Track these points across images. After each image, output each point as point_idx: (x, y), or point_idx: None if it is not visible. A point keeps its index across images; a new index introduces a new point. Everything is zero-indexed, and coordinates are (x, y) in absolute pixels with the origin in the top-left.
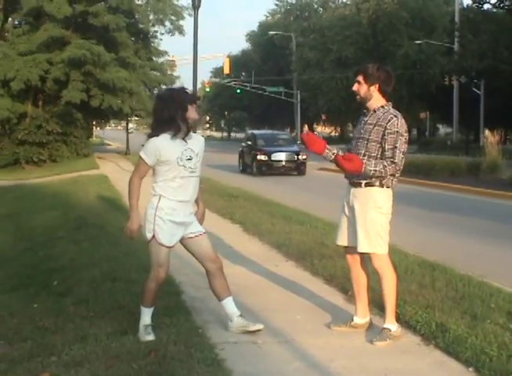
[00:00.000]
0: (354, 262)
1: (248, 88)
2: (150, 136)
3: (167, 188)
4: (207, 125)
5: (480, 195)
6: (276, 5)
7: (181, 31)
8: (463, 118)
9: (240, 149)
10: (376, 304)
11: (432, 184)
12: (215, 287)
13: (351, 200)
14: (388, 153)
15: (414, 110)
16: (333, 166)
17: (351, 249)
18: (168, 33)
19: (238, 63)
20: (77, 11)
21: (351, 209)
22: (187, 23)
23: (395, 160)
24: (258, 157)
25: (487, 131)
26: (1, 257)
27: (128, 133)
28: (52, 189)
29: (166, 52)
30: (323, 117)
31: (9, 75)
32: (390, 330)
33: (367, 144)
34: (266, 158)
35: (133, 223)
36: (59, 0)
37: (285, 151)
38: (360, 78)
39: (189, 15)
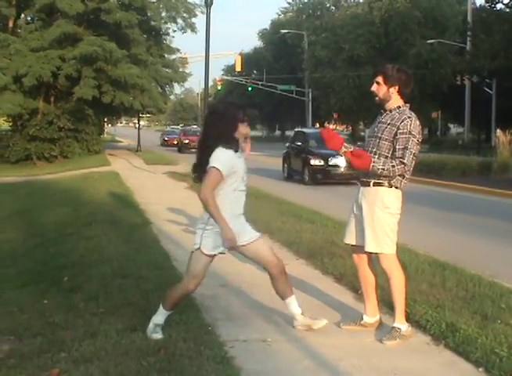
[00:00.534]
0: (361, 261)
1: (260, 86)
2: (212, 148)
3: (226, 199)
4: None
5: (491, 195)
6: (289, 3)
7: (193, 29)
8: (474, 118)
9: (285, 151)
10: (386, 303)
11: (443, 183)
12: (277, 289)
13: (359, 198)
14: (398, 153)
15: (426, 110)
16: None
17: (359, 248)
18: (180, 30)
19: (250, 60)
20: (90, 8)
21: (360, 208)
22: (199, 20)
23: (404, 161)
24: (312, 161)
25: (498, 131)
26: (12, 253)
27: (139, 130)
28: (62, 186)
29: (178, 50)
30: (335, 116)
31: (21, 71)
32: (399, 330)
33: (379, 142)
34: (322, 163)
35: (227, 233)
36: None
37: None
38: (379, 79)
39: (202, 12)
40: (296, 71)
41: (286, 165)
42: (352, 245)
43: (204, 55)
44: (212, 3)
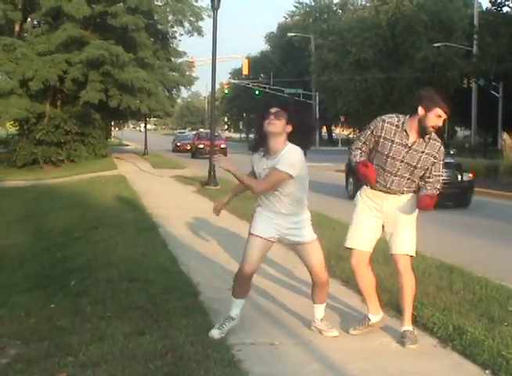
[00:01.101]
0: (361, 266)
1: (267, 90)
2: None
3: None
4: (226, 127)
5: (498, 198)
6: (295, 6)
7: (200, 32)
8: (481, 121)
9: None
10: (393, 306)
11: None
12: (313, 294)
13: (385, 205)
14: (434, 180)
15: None
16: None
17: (363, 254)
18: (187, 34)
19: (257, 64)
20: (96, 11)
21: (387, 214)
22: (206, 24)
23: (440, 188)
24: None
25: (505, 134)
26: (19, 257)
27: (146, 134)
28: (69, 190)
29: (185, 53)
30: (342, 119)
31: (27, 75)
32: (414, 332)
33: (414, 170)
34: None
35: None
36: (78, 0)
37: None
38: (446, 117)
39: (208, 16)
40: (303, 75)
41: (351, 180)
42: (354, 250)
43: (211, 58)
44: (219, 7)
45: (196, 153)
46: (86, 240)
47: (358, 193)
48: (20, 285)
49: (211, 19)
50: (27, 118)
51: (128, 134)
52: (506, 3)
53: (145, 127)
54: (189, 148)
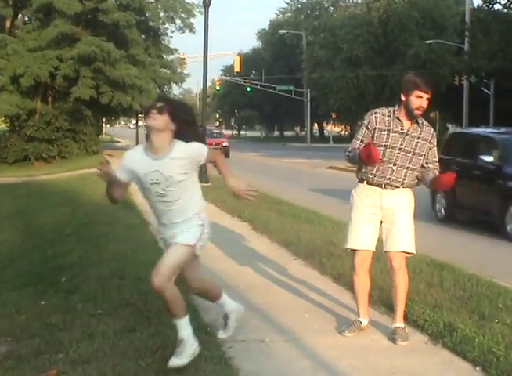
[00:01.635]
0: (364, 265)
1: (258, 87)
2: None
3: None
4: (217, 123)
5: None
6: (287, 3)
7: (191, 29)
8: (472, 118)
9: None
10: (384, 303)
11: None
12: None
13: (384, 202)
14: (433, 166)
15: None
16: (342, 165)
17: (367, 253)
18: (179, 30)
19: (248, 61)
20: (88, 8)
21: (385, 211)
22: (197, 20)
23: (437, 172)
24: None
25: None
26: (10, 254)
27: (137, 130)
28: (60, 186)
29: (176, 50)
30: (333, 116)
31: (18, 71)
32: (405, 329)
33: (412, 158)
34: None
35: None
36: None
37: None
38: (430, 96)
39: (200, 13)
40: (294, 71)
41: (447, 199)
42: (358, 250)
43: (203, 55)
44: (210, 3)
45: None
46: (77, 237)
47: (352, 192)
48: (11, 282)
49: (203, 16)
50: (17, 115)
51: (120, 131)
52: (498, 0)
53: (136, 124)
54: None
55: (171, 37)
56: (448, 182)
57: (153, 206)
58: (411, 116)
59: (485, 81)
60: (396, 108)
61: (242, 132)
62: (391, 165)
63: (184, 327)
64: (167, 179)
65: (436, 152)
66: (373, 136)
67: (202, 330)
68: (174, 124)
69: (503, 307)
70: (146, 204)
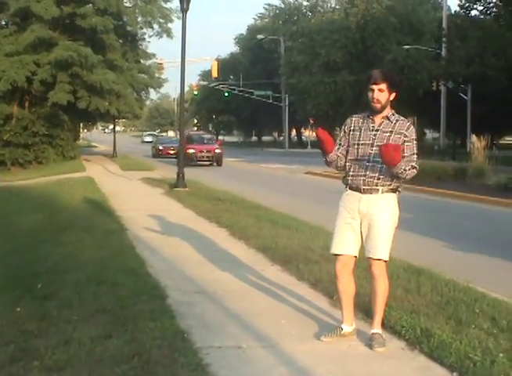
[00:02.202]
0: (345, 272)
1: (236, 92)
2: None
3: None
4: (195, 128)
5: (466, 200)
6: (265, 8)
7: (169, 34)
8: (450, 123)
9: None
10: (361, 309)
11: (419, 189)
12: None
13: (362, 206)
14: (410, 158)
15: (402, 115)
16: (320, 170)
17: (348, 258)
18: (156, 35)
19: (226, 66)
20: (65, 12)
21: (363, 216)
22: (175, 25)
23: (416, 166)
24: None
25: (474, 137)
26: None
27: (114, 135)
28: (37, 192)
29: (154, 55)
30: (311, 121)
31: None
32: (382, 335)
33: None
34: None
35: None
36: (46, 1)
37: None
38: (384, 86)
39: (178, 18)
40: (272, 77)
41: None
42: (339, 255)
43: (180, 60)
44: (188, 8)
45: (185, 161)
46: (54, 242)
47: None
48: None
49: (181, 21)
50: None
51: (97, 136)
52: (474, 7)
53: (113, 129)
54: (172, 152)
55: (149, 42)
56: (387, 152)
57: None
58: (374, 110)
59: (463, 86)
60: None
61: (220, 137)
62: (365, 162)
63: None
64: None
65: (413, 146)
66: (349, 138)
67: (178, 337)
68: None
69: (480, 312)
70: (122, 209)
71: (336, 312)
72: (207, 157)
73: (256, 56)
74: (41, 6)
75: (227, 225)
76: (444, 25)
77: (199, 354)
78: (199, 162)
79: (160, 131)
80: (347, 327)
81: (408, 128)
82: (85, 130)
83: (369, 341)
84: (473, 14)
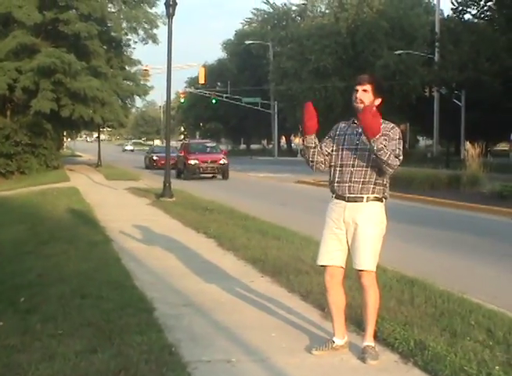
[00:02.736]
0: (334, 283)
1: (224, 99)
2: None
3: None
4: (182, 136)
5: (460, 209)
6: (253, 13)
7: (154, 40)
8: (443, 130)
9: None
10: (353, 321)
11: (411, 197)
12: None
13: (346, 216)
14: (393, 149)
15: (394, 122)
16: (310, 179)
17: (335, 269)
18: (142, 41)
19: (213, 72)
20: (48, 18)
21: (348, 226)
22: (161, 31)
23: (400, 156)
24: None
25: (468, 144)
26: None
27: (99, 144)
28: (20, 202)
29: (139, 62)
30: (301, 129)
31: None
32: (375, 347)
33: (369, 155)
34: None
35: None
36: (28, 6)
37: None
38: (368, 87)
39: (163, 23)
40: (261, 83)
41: None
42: (327, 266)
43: (166, 67)
44: (174, 14)
45: (185, 173)
46: (37, 254)
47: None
48: None
49: (166, 27)
50: None
51: (81, 145)
52: (468, 10)
53: (98, 137)
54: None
55: (134, 48)
56: (364, 118)
57: None
58: (357, 111)
59: (456, 92)
60: None
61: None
62: (350, 167)
63: None
64: None
65: (397, 143)
66: (334, 144)
67: (166, 351)
68: None
69: (475, 324)
70: (107, 220)
71: (327, 325)
72: (212, 168)
73: (244, 62)
74: (23, 12)
75: (215, 235)
76: (436, 29)
77: (187, 368)
78: (202, 174)
79: (146, 140)
80: (339, 340)
81: (391, 129)
82: (69, 139)
83: (362, 354)
84: (466, 18)
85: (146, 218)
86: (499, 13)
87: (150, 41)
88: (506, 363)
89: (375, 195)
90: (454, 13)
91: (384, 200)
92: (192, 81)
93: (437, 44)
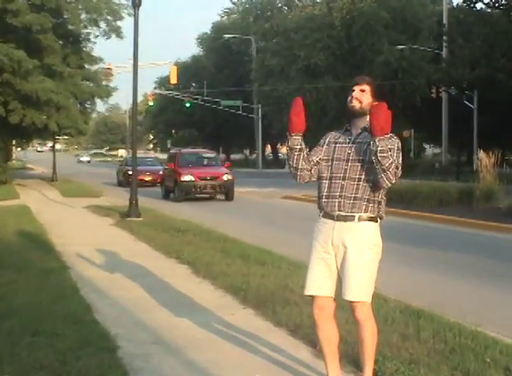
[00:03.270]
0: (324, 316)
1: (199, 102)
2: None
3: None
4: (151, 145)
5: (473, 227)
6: (233, 3)
7: (118, 34)
8: (453, 137)
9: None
10: (350, 359)
11: (417, 215)
12: None
13: (335, 238)
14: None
15: (396, 128)
16: (299, 194)
17: (324, 300)
18: (103, 36)
19: (187, 71)
20: None
21: (336, 249)
22: (126, 24)
23: (399, 167)
24: None
25: (481, 152)
26: None
27: (54, 156)
28: None
29: (101, 59)
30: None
31: None
32: None
33: (362, 167)
34: None
35: None
36: None
37: None
38: (367, 88)
39: (129, 14)
40: (243, 83)
41: None
42: (315, 297)
43: (132, 65)
44: (141, 3)
45: (177, 192)
46: None
47: None
48: None
49: (132, 19)
50: None
51: (33, 155)
52: None
53: (53, 147)
54: (147, 179)
55: (95, 43)
56: (376, 112)
57: None
58: (351, 112)
59: (467, 92)
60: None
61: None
62: (341, 180)
63: None
64: None
65: (395, 154)
66: (323, 153)
67: None
68: None
69: (491, 362)
70: (64, 244)
71: (319, 364)
72: (212, 186)
73: (223, 59)
74: None
75: (189, 261)
76: (444, 20)
77: None
78: (199, 195)
79: (109, 150)
80: None
81: (390, 138)
82: (19, 149)
83: None
84: (478, 7)
85: (109, 241)
86: None
87: (114, 35)
88: None
89: (368, 214)
90: (464, 2)
91: (378, 219)
92: (163, 82)
93: (445, 37)
